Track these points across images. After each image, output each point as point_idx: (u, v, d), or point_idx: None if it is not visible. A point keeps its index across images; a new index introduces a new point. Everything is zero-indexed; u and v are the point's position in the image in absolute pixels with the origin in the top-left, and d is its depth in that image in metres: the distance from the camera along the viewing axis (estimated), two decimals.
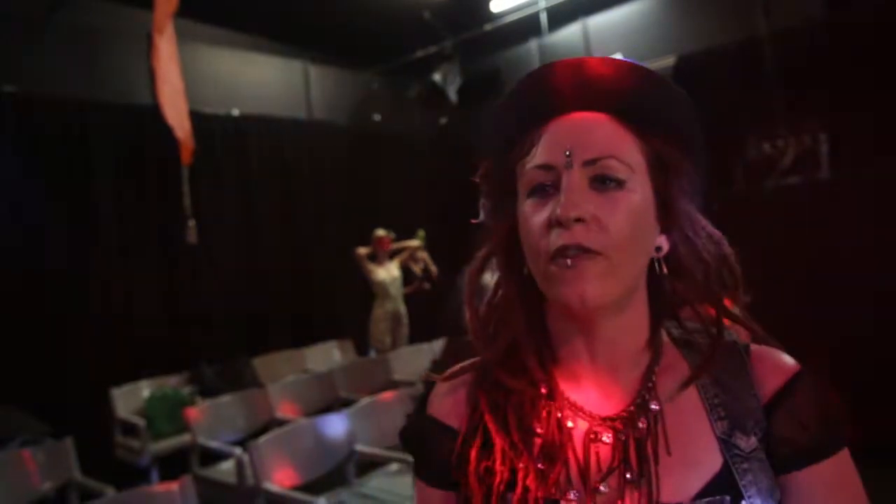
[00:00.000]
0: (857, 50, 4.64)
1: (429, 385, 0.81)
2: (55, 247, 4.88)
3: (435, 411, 0.78)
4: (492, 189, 0.76)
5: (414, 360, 5.41)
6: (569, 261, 0.64)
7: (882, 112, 4.42)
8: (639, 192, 0.67)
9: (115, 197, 5.27)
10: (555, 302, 0.68)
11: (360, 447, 3.22)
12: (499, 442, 0.69)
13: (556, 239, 0.64)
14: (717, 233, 0.73)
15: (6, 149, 4.75)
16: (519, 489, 0.67)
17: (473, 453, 0.71)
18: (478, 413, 0.73)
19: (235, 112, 6.23)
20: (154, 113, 4.93)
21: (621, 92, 0.68)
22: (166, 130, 4.84)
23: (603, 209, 0.65)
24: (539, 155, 0.69)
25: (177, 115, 4.76)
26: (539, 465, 0.67)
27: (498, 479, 0.68)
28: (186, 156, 4.90)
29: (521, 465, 0.68)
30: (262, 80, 6.58)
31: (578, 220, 0.64)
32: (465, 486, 0.71)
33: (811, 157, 4.02)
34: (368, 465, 3.30)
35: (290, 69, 6.84)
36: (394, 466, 3.25)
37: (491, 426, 0.71)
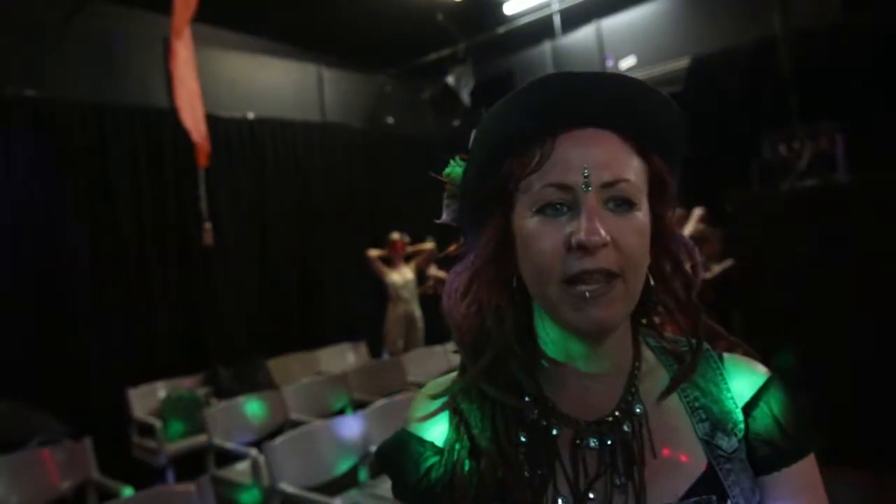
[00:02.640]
0: (873, 51, 4.60)
1: None
2: (73, 249, 4.95)
3: (415, 427, 0.76)
4: (476, 194, 0.73)
5: (428, 361, 5.41)
6: (587, 293, 0.64)
7: None
8: (644, 213, 0.68)
9: (132, 199, 5.33)
10: (561, 323, 0.68)
11: (374, 448, 3.23)
12: (487, 455, 0.68)
13: (577, 263, 0.64)
14: (689, 242, 0.75)
15: (26, 152, 4.83)
16: (507, 500, 0.66)
17: (458, 467, 0.70)
18: (463, 425, 0.72)
19: (250, 115, 6.29)
20: (171, 116, 4.99)
21: (627, 109, 0.68)
22: (183, 134, 4.89)
23: (619, 232, 0.65)
24: (553, 172, 0.66)
25: (193, 118, 4.82)
26: (526, 474, 0.67)
27: (487, 492, 0.67)
28: (203, 158, 4.95)
29: (509, 476, 0.67)
30: (277, 83, 6.64)
31: (602, 244, 0.64)
32: (449, 501, 0.69)
33: (828, 158, 3.98)
34: None
35: (304, 72, 6.89)
36: None
37: (478, 439, 0.70)
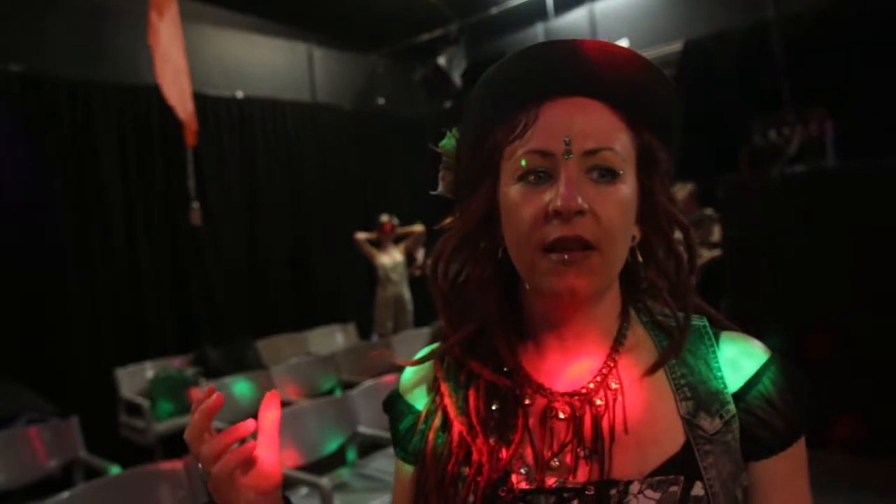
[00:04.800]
0: (865, 37, 4.60)
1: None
2: (60, 227, 4.90)
3: (404, 390, 0.80)
4: (466, 164, 0.74)
5: (416, 343, 5.43)
6: (566, 256, 0.63)
7: (890, 99, 4.39)
8: (629, 185, 0.67)
9: (119, 177, 5.27)
10: (539, 290, 0.68)
11: (362, 429, 3.25)
12: (457, 425, 0.70)
13: (554, 230, 0.64)
14: (685, 222, 0.72)
15: (11, 129, 4.75)
16: (473, 467, 0.67)
17: (431, 435, 0.71)
18: (439, 395, 0.73)
19: (240, 94, 6.22)
20: (160, 94, 4.92)
21: (618, 79, 0.67)
22: (171, 112, 4.83)
23: (599, 202, 0.64)
24: (535, 139, 0.66)
25: (179, 96, 4.75)
26: (492, 442, 0.68)
27: (453, 461, 0.68)
28: (190, 137, 4.89)
29: (476, 446, 0.68)
30: (267, 62, 6.56)
31: (579, 212, 0.63)
32: (421, 466, 0.72)
33: (817, 144, 3.99)
34: (370, 446, 3.33)
35: (294, 52, 6.81)
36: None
37: (450, 410, 0.71)
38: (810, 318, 3.56)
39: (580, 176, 0.65)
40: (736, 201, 4.00)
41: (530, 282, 0.68)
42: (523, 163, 0.67)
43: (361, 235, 5.96)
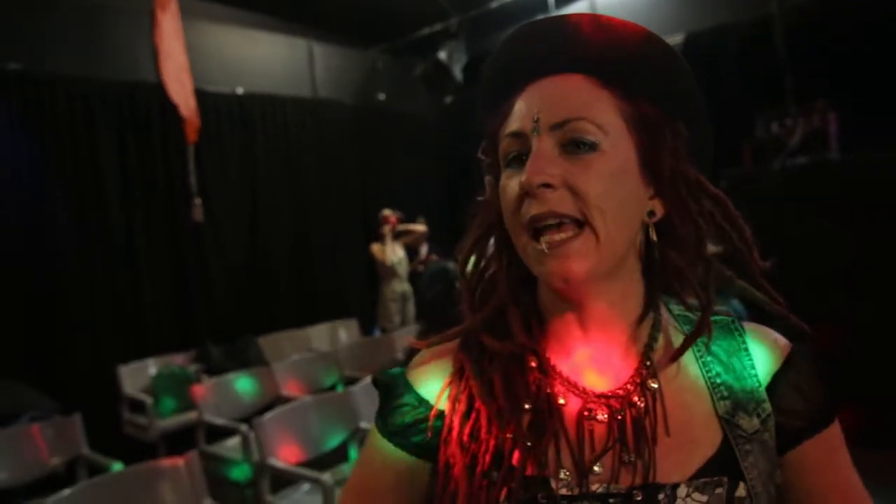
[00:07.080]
0: (867, 28, 4.58)
1: (411, 354, 0.78)
2: (61, 225, 4.89)
3: (413, 378, 0.74)
4: (488, 164, 0.74)
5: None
6: (544, 246, 0.61)
7: (893, 91, 4.36)
8: (616, 155, 0.63)
9: (120, 175, 5.26)
10: (539, 278, 0.66)
11: (364, 424, 3.24)
12: (484, 409, 0.66)
13: (528, 209, 0.62)
14: (720, 194, 0.69)
15: (11, 127, 4.74)
16: (505, 467, 0.63)
17: (456, 420, 0.67)
18: (462, 380, 0.69)
19: (240, 90, 6.20)
20: (159, 91, 4.90)
21: (600, 51, 0.65)
22: (172, 108, 4.82)
23: (575, 175, 0.61)
24: (511, 123, 0.66)
25: (181, 93, 4.75)
26: (527, 443, 0.63)
27: (483, 448, 0.64)
28: (192, 134, 4.89)
29: (508, 435, 0.64)
30: (267, 58, 6.54)
31: (546, 185, 0.61)
32: (445, 455, 0.66)
33: (821, 137, 3.97)
34: None
35: (294, 47, 6.79)
36: None
37: (476, 392, 0.67)
38: (814, 310, 3.54)
39: (553, 151, 0.63)
40: (739, 194, 3.98)
41: (530, 269, 0.66)
42: (505, 148, 0.67)
43: (377, 249, 5.99)
